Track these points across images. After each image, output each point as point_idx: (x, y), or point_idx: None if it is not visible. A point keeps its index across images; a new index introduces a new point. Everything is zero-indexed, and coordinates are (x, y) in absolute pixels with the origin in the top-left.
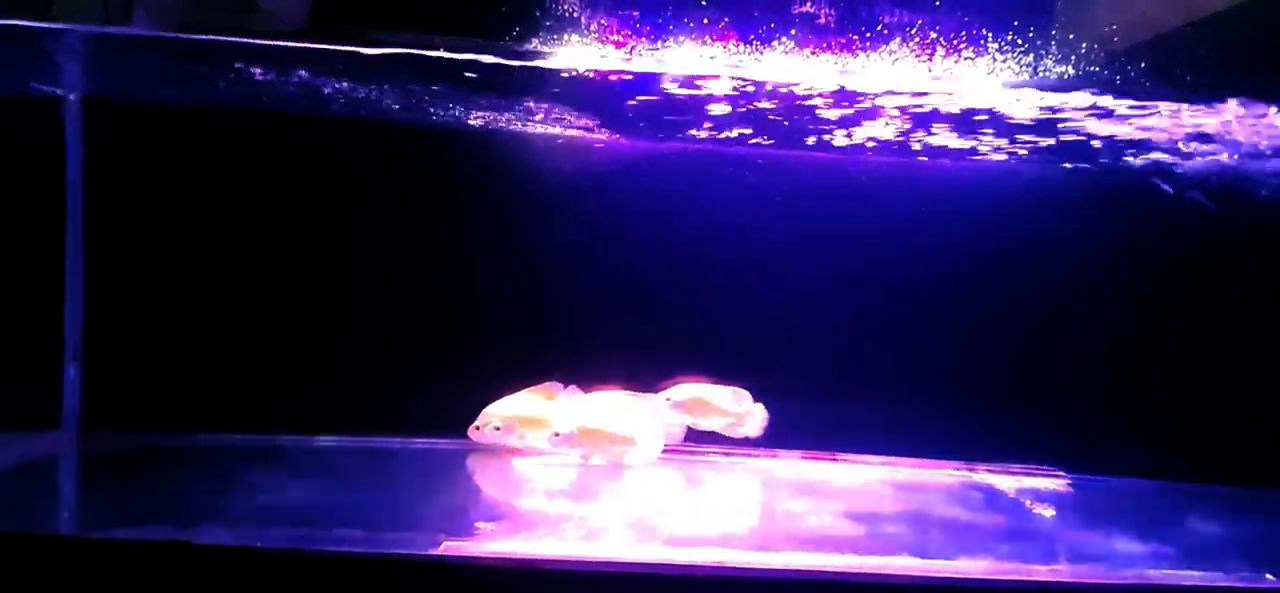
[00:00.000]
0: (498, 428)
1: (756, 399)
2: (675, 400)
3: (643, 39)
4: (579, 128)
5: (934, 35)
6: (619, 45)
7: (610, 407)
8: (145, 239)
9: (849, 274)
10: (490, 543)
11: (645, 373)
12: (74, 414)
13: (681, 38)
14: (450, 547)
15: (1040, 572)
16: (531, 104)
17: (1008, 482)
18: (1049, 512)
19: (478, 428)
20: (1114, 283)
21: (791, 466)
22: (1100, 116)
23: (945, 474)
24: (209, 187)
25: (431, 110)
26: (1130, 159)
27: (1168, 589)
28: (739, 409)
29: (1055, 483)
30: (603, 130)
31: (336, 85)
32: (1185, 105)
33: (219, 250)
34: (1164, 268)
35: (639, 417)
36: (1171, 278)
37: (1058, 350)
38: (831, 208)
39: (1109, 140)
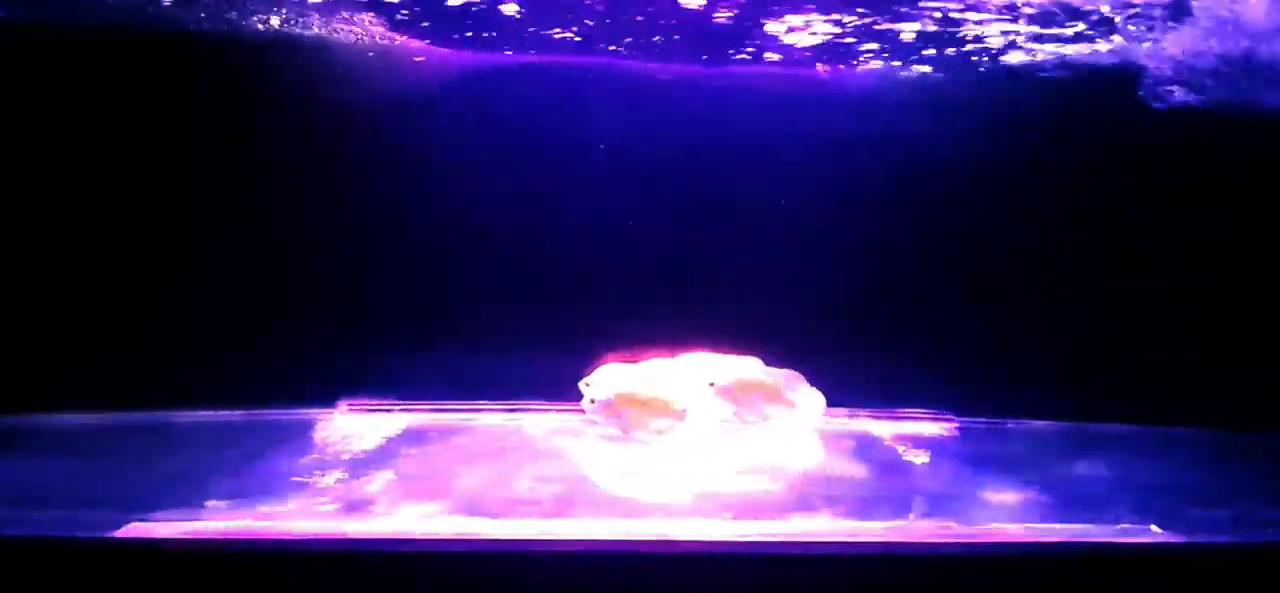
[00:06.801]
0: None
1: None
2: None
3: None
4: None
5: None
6: None
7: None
8: None
9: (705, 199)
10: (215, 522)
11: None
12: None
13: None
14: (134, 529)
15: (873, 532)
16: None
17: (886, 427)
18: (922, 457)
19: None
20: (1026, 209)
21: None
22: None
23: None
24: None
25: None
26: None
27: (1012, 547)
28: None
29: (941, 428)
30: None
31: None
32: None
33: None
34: (1088, 193)
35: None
36: (1095, 205)
37: (955, 282)
38: (688, 126)
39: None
